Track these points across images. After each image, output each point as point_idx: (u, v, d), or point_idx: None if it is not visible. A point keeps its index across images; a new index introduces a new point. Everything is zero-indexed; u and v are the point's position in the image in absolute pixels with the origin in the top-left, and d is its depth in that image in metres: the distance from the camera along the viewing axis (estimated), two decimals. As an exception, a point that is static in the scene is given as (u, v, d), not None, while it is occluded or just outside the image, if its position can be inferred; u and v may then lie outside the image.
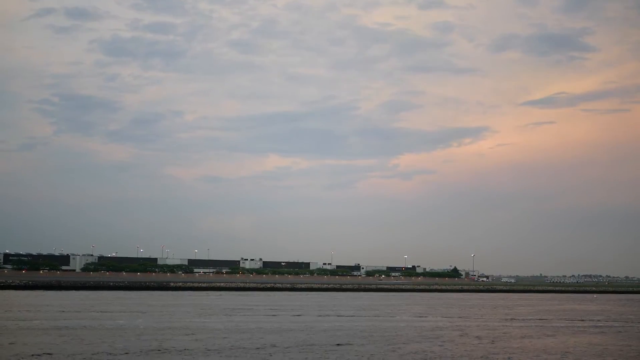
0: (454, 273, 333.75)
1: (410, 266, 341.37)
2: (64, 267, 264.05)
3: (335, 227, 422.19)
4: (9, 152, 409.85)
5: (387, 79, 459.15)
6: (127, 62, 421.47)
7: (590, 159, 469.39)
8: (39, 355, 32.86)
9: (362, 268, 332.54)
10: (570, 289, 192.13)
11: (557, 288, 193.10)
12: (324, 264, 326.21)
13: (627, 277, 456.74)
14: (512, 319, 66.38)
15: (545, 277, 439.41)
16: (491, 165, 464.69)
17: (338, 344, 39.57)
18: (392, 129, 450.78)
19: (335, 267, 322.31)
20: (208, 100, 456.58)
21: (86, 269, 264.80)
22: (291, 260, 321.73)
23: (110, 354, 34.03)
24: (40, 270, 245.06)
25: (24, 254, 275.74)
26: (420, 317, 66.89)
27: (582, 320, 66.04)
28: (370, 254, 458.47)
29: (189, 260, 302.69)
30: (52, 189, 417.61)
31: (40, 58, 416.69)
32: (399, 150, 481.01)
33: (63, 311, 65.15)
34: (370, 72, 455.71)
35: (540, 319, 66.17)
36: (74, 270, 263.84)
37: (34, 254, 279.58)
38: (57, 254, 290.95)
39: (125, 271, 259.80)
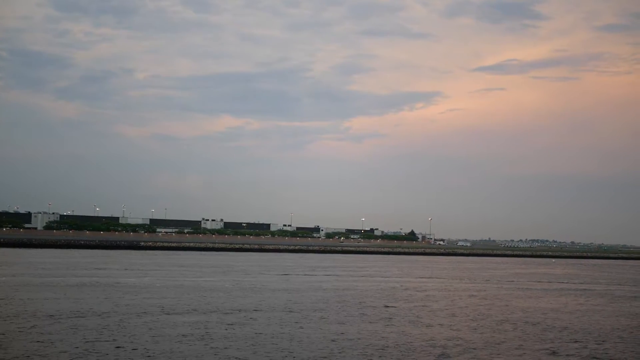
0: (411, 236, 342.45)
1: (368, 228, 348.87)
2: (26, 225, 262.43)
3: (289, 189, 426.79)
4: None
5: (341, 42, 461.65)
6: (78, 18, 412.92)
7: (539, 126, 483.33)
8: (106, 312, 36.01)
9: (322, 230, 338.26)
10: (527, 253, 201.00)
11: (515, 252, 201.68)
12: (284, 225, 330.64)
13: (572, 242, 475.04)
14: (499, 281, 71.72)
15: (494, 241, 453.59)
16: (442, 130, 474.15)
17: (386, 306, 41.69)
18: (345, 92, 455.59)
19: (295, 229, 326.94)
20: (160, 58, 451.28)
21: (49, 227, 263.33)
22: (251, 221, 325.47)
23: (165, 311, 37.38)
24: (3, 228, 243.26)
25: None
26: (402, 277, 71.72)
27: (563, 283, 71.86)
28: (327, 215, 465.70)
29: (151, 220, 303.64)
30: (0, 145, 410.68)
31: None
32: (351, 113, 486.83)
33: (67, 269, 67.85)
34: (324, 34, 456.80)
35: (517, 281, 71.73)
36: (36, 228, 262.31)
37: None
38: (11, 211, 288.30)
39: (88, 230, 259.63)
